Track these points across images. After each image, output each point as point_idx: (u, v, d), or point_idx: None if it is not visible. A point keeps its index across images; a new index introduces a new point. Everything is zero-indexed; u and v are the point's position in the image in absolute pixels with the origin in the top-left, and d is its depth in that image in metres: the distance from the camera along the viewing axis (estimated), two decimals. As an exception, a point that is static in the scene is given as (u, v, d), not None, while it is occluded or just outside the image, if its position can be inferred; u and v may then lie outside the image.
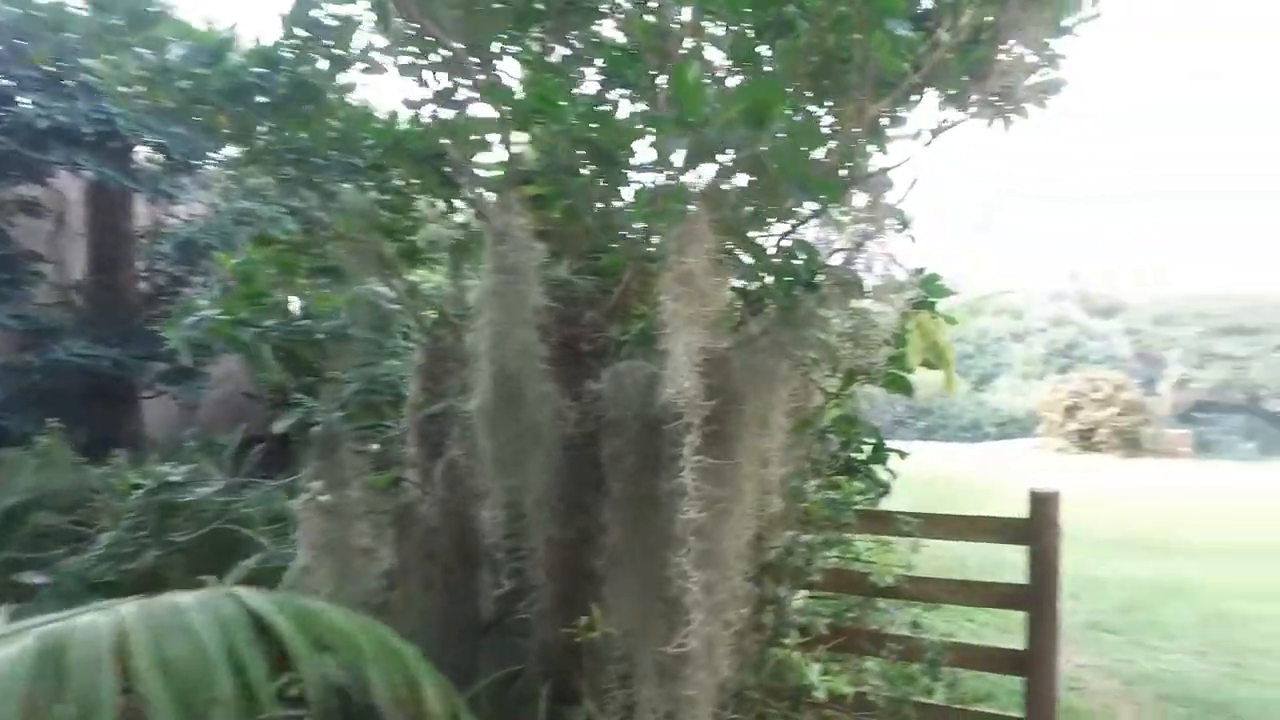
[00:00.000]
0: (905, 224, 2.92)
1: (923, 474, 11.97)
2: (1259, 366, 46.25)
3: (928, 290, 2.86)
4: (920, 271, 2.82)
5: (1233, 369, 46.50)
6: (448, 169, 2.69)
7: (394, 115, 2.71)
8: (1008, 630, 5.10)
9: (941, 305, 3.04)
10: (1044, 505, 3.24)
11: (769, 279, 2.49)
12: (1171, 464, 14.28)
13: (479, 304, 2.31)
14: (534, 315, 2.27)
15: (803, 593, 3.20)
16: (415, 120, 2.66)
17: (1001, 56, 2.41)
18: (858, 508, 3.23)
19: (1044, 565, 3.20)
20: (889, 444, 3.46)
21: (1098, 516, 9.48)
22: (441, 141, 2.60)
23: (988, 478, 12.53)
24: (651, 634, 2.09)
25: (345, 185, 2.75)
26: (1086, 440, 14.73)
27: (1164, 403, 33.69)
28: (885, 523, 3.31)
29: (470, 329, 2.37)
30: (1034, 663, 3.09)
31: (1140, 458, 14.36)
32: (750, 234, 2.50)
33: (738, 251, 2.50)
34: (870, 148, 2.69)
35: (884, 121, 2.68)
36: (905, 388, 2.99)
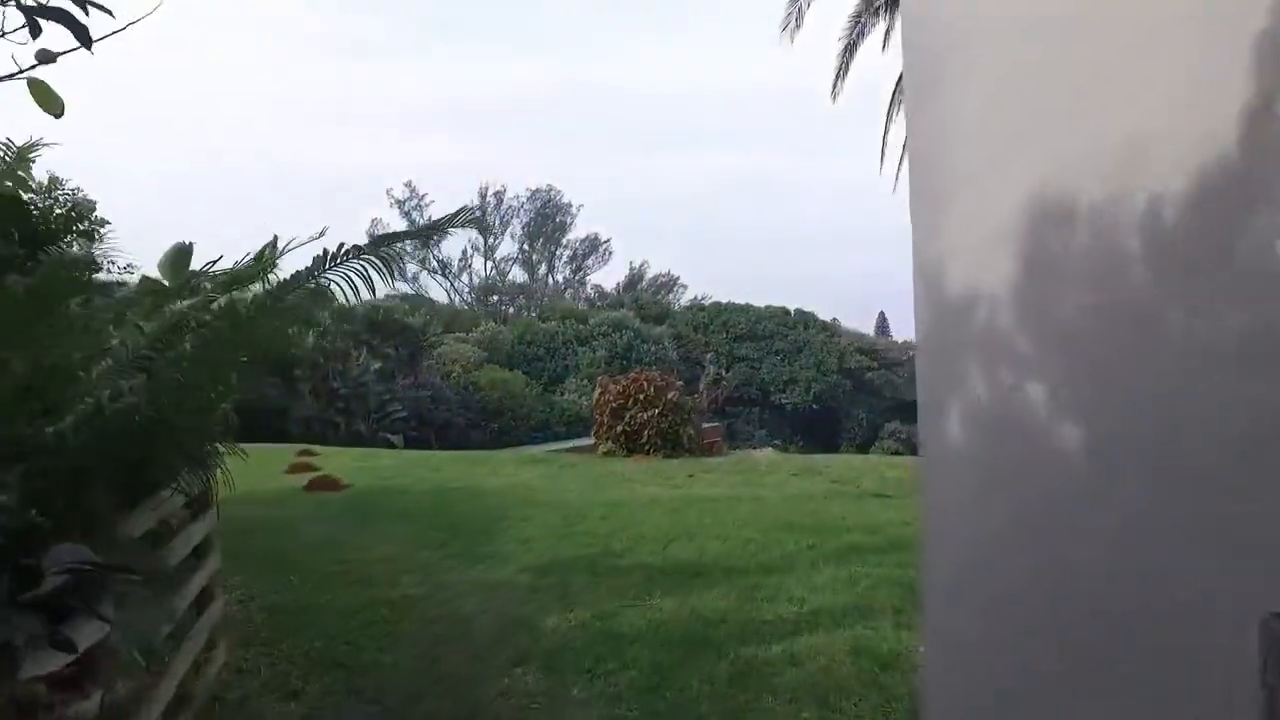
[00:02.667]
0: None
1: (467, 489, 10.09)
2: (766, 367, 54.05)
3: None
4: None
5: (749, 369, 53.70)
6: None
7: None
8: None
9: None
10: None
11: None
12: (705, 461, 14.20)
13: None
14: None
15: None
16: None
17: None
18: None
19: None
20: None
21: (639, 537, 8.24)
22: None
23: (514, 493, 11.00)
24: None
25: None
26: (634, 442, 14.07)
27: (703, 399, 37.07)
28: None
29: None
30: None
31: (680, 457, 14.04)
32: None
33: None
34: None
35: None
36: None
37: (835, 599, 6.03)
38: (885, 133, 14.36)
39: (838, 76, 14.94)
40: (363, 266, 2.91)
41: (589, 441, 37.67)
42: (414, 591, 6.25)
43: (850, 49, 14.57)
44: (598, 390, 14.89)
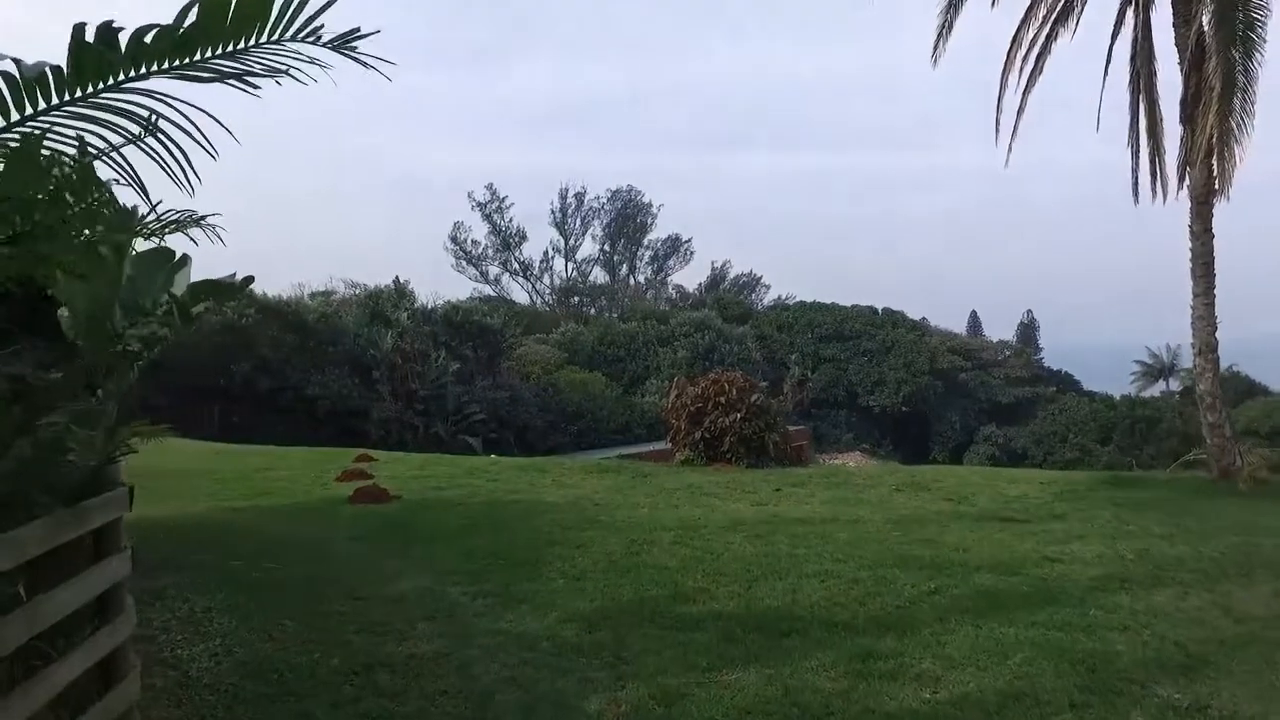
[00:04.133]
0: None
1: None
2: (853, 368, 51.33)
3: None
4: None
5: (835, 370, 51.14)
6: None
7: None
8: None
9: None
10: None
11: None
12: (793, 471, 12.51)
13: None
14: None
15: None
16: None
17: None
18: None
19: None
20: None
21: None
22: None
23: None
24: None
25: None
26: (714, 449, 12.50)
27: (787, 401, 35.09)
28: None
29: None
30: None
31: (765, 467, 12.41)
32: None
33: None
34: None
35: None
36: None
37: (982, 679, 4.34)
38: (999, 98, 12.36)
39: (939, 37, 13.00)
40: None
41: (668, 446, 36.26)
42: (428, 647, 4.86)
43: (954, 4, 12.63)
44: (674, 393, 13.34)
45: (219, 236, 3.31)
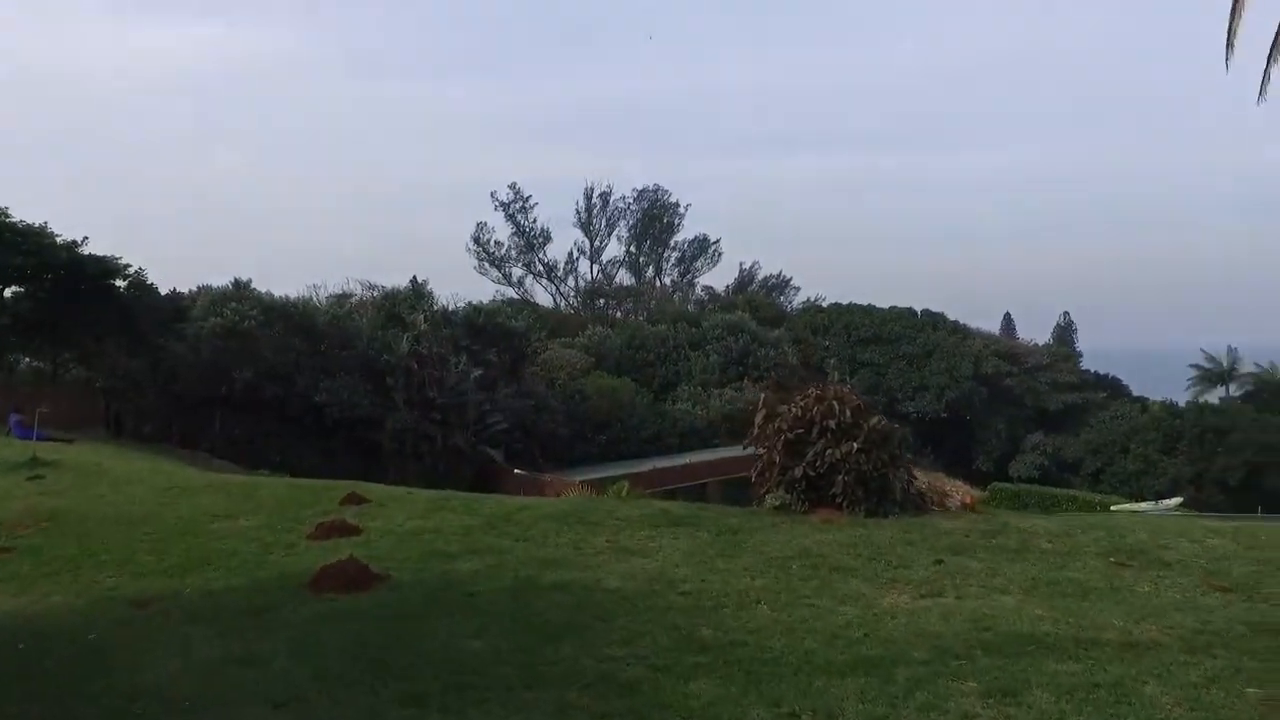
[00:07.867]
0: None
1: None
2: (892, 373, 47.37)
3: None
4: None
5: (874, 375, 47.20)
6: None
7: None
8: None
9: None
10: None
11: None
12: (935, 526, 8.86)
13: None
14: None
15: None
16: None
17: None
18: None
19: None
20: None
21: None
22: None
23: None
24: None
25: None
26: (818, 491, 8.89)
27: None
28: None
29: None
30: None
31: (887, 515, 8.76)
32: None
33: None
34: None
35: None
36: None
37: None
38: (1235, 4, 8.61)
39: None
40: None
41: (713, 455, 32.16)
42: None
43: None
44: (762, 412, 9.69)
45: None
